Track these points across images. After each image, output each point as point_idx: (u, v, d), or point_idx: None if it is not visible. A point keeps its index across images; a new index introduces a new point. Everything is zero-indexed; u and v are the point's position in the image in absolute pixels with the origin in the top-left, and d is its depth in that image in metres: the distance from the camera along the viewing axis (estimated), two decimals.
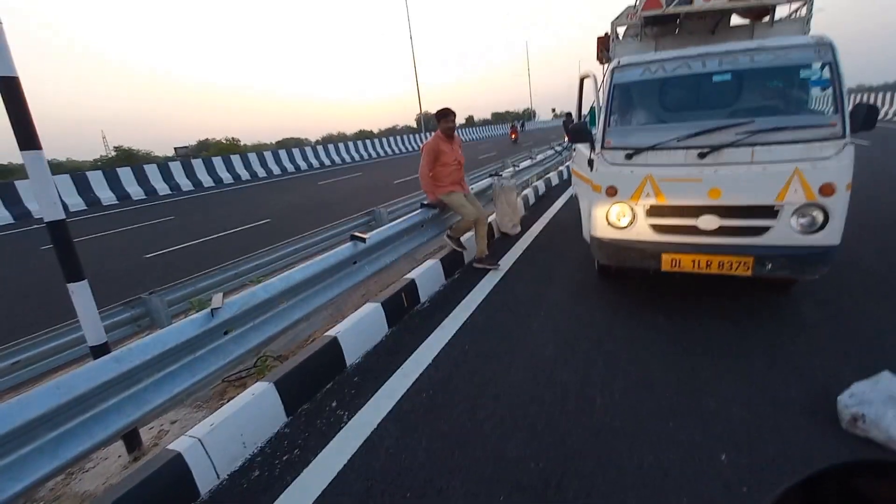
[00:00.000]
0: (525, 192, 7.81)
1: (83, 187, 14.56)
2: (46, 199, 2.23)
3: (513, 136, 24.59)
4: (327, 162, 24.05)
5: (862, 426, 2.02)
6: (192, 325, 2.09)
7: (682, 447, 2.05)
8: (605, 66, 4.34)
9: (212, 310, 2.14)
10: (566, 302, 3.68)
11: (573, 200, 5.49)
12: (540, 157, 10.40)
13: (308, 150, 23.83)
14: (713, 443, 2.07)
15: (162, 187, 16.50)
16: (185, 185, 17.25)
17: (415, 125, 44.77)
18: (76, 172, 15.39)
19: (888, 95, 24.03)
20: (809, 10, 3.76)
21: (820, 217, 2.76)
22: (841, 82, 2.83)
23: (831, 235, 2.77)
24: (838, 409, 2.14)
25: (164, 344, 1.96)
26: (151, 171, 16.69)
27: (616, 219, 3.22)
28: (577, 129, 3.44)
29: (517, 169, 8.04)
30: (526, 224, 6.26)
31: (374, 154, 27.80)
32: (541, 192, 8.63)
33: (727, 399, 2.35)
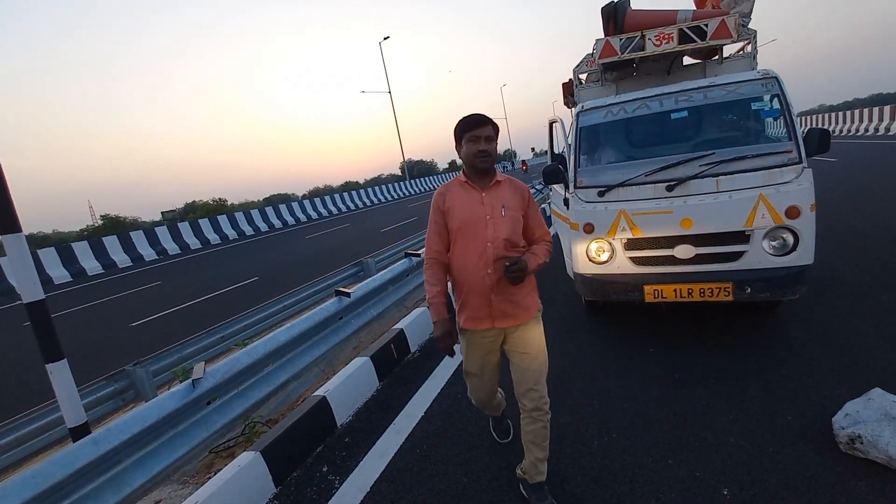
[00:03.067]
0: None
1: (68, 259, 14.44)
2: (26, 280, 2.23)
3: (524, 167, 30.87)
4: (314, 215, 24.29)
5: (860, 447, 2.00)
6: (174, 398, 2.04)
7: (683, 485, 2.00)
8: (572, 109, 4.56)
9: (193, 380, 2.10)
10: (557, 340, 3.66)
11: (557, 238, 5.58)
12: None
13: (295, 204, 24.12)
14: (714, 477, 2.02)
15: (148, 253, 16.43)
16: (172, 248, 17.22)
17: (399, 173, 45.91)
18: (62, 244, 15.31)
19: (848, 114, 25.37)
20: (754, 48, 4.04)
21: (790, 239, 2.85)
22: (790, 111, 3.00)
23: (804, 255, 2.85)
24: (834, 431, 2.12)
25: (144, 421, 1.90)
26: (137, 237, 16.68)
27: (596, 254, 3.28)
28: (550, 170, 3.56)
29: None
30: None
31: (360, 204, 28.20)
32: None
33: (725, 429, 2.32)
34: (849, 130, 24.68)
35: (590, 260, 3.32)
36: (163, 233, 17.52)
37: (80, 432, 2.26)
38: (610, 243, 3.22)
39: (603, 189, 3.23)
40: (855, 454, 2.01)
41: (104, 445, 1.77)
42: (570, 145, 3.62)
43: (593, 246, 3.27)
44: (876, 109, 22.48)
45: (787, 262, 2.88)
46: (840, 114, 26.70)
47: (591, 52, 4.27)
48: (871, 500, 1.78)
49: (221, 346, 4.10)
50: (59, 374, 2.22)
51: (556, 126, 4.40)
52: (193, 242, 18.05)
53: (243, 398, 2.36)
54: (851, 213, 6.58)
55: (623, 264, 3.22)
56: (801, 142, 2.91)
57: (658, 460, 2.17)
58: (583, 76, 4.68)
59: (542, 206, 11.18)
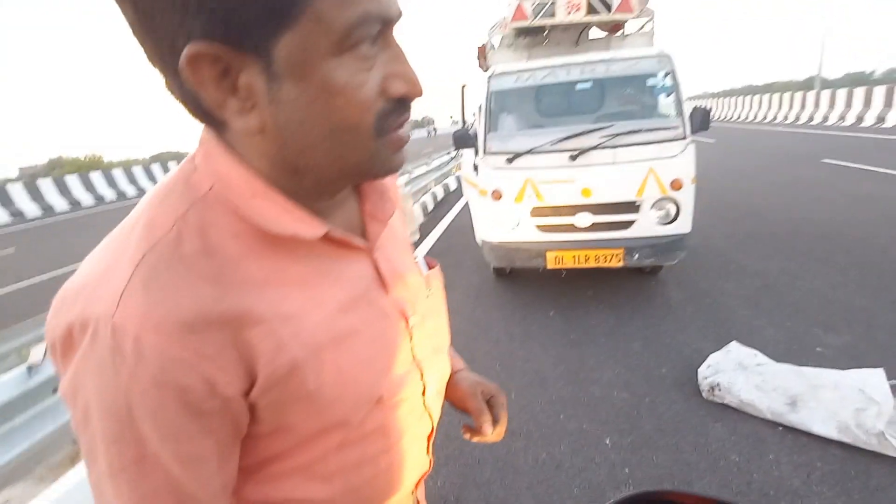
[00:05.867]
0: (423, 198, 7.83)
1: None
2: None
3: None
4: None
5: (718, 393, 2.27)
6: (2, 389, 1.68)
7: (571, 437, 2.13)
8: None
9: (28, 367, 1.75)
10: (465, 306, 3.70)
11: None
12: (436, 163, 10.55)
13: None
14: (599, 428, 2.18)
15: None
16: (31, 210, 14.59)
17: None
18: None
19: (725, 101, 28.63)
20: (653, 27, 4.26)
21: (673, 209, 3.10)
22: (679, 89, 3.20)
23: (683, 224, 3.12)
24: (699, 381, 2.38)
25: None
26: None
27: (503, 221, 3.31)
28: (460, 135, 3.49)
29: (412, 176, 8.03)
30: (424, 230, 6.26)
31: None
32: (439, 198, 8.74)
33: (610, 383, 2.51)
34: (726, 116, 27.91)
35: (497, 226, 3.34)
36: (17, 191, 14.74)
37: None
38: (517, 211, 3.26)
39: (511, 156, 3.23)
40: (714, 400, 2.28)
41: None
42: (481, 109, 3.56)
43: (501, 212, 3.29)
44: (747, 98, 25.59)
45: (669, 231, 3.13)
46: (718, 100, 30.05)
47: (505, 15, 4.20)
48: (725, 438, 2.04)
49: None
50: None
51: (468, 90, 4.32)
52: (59, 204, 15.44)
53: None
54: (725, 188, 7.45)
55: (528, 231, 3.29)
56: (686, 119, 3.13)
57: (551, 416, 2.29)
58: (496, 39, 4.61)
59: (456, 174, 11.22)
